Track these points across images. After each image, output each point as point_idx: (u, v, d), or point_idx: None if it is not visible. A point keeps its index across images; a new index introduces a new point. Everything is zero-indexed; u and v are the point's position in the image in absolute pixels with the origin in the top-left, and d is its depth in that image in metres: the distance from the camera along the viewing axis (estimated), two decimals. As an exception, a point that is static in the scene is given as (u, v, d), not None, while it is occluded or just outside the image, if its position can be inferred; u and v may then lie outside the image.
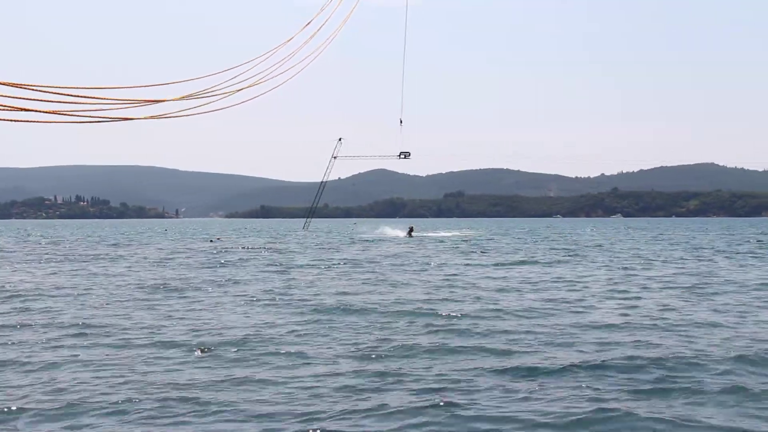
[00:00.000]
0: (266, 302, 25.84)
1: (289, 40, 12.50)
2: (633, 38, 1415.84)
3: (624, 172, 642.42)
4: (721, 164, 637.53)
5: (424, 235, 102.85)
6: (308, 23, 12.92)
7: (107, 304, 25.63)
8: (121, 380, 14.07)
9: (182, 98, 9.32)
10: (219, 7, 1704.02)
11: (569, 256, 52.95)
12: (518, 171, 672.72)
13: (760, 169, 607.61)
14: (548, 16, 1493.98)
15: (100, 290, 30.20)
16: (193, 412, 12.15)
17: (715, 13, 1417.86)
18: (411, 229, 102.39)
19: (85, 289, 30.44)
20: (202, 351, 16.60)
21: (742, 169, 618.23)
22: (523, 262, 45.87)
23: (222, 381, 13.97)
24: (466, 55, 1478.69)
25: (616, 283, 32.68)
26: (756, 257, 51.09)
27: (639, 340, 17.83)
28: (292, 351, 16.66)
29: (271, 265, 44.81)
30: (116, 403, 12.59)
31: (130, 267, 44.00)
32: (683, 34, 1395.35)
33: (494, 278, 34.96)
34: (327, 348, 17.14)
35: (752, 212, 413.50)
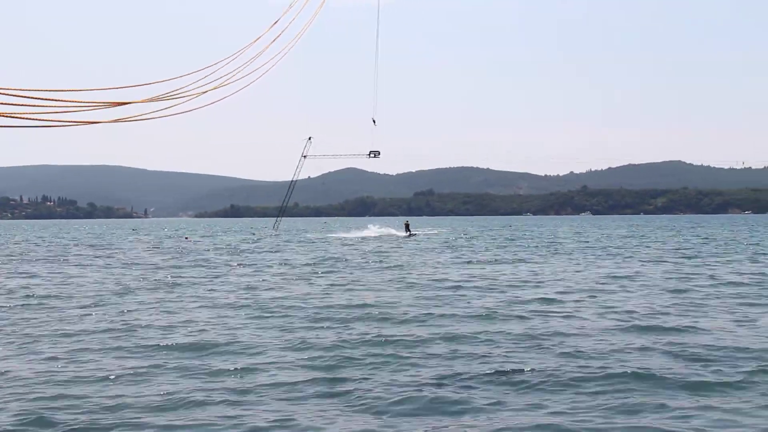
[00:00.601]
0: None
1: (256, 40, 12.34)
2: (603, 38, 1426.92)
3: (593, 170, 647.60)
4: (687, 162, 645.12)
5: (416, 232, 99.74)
6: (275, 22, 12.77)
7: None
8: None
9: (147, 101, 9.14)
10: (192, 7, 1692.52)
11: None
12: (488, 169, 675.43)
13: (726, 167, 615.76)
14: (518, 15, 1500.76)
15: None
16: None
17: (684, 13, 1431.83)
18: (408, 226, 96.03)
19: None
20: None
21: (708, 167, 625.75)
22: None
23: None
24: (436, 54, 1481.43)
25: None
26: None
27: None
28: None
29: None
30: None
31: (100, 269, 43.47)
32: (652, 34, 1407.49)
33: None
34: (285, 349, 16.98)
35: (718, 209, 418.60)
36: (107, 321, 21.75)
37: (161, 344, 17.70)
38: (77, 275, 38.43)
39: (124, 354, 16.75)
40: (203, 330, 19.87)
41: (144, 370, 15.07)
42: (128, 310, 23.99)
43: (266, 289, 30.33)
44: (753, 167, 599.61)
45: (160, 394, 13.13)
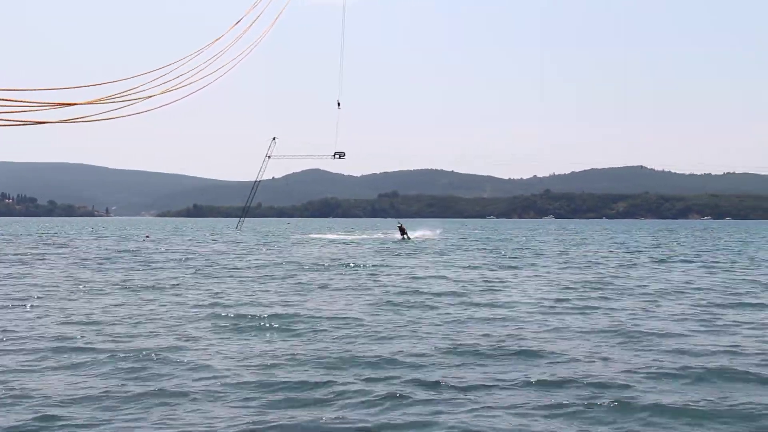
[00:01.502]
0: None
1: (217, 39, 11.98)
2: (567, 44, 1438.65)
3: (556, 174, 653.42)
4: (649, 167, 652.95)
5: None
6: (238, 21, 12.43)
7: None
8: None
9: (95, 102, 8.76)
10: (150, 5, 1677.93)
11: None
12: (452, 172, 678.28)
13: (687, 173, 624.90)
14: (482, 19, 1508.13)
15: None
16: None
17: (647, 17, 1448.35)
18: (402, 230, 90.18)
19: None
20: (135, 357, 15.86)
21: (669, 172, 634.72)
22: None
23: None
24: (402, 55, 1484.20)
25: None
26: None
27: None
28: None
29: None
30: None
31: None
32: (614, 38, 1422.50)
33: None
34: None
35: (679, 214, 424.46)
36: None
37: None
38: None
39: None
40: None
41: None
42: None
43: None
44: (713, 173, 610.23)
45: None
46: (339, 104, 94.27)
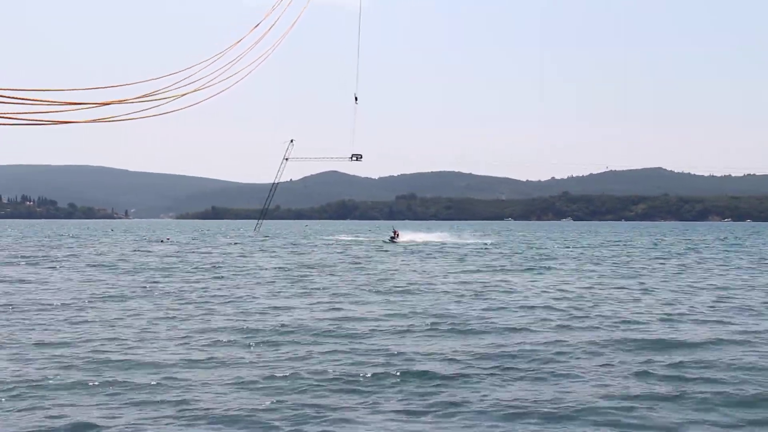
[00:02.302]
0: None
1: (238, 42, 12.30)
2: (584, 43, 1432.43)
3: (574, 176, 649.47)
4: (668, 169, 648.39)
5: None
6: (257, 25, 12.74)
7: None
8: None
9: (125, 101, 9.08)
10: (167, 8, 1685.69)
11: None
12: (470, 174, 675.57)
13: (706, 174, 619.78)
14: (499, 20, 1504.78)
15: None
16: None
17: (666, 20, 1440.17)
18: (395, 234, 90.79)
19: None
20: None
21: (689, 173, 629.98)
22: None
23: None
24: (419, 58, 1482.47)
25: None
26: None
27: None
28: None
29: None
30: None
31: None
32: (633, 40, 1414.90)
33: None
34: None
35: (698, 216, 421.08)
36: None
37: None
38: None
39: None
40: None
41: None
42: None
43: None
44: (733, 175, 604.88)
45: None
46: (356, 98, 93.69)
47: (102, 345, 17.94)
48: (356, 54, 79.38)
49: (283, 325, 20.99)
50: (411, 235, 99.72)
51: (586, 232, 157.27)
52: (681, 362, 15.97)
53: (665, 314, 24.03)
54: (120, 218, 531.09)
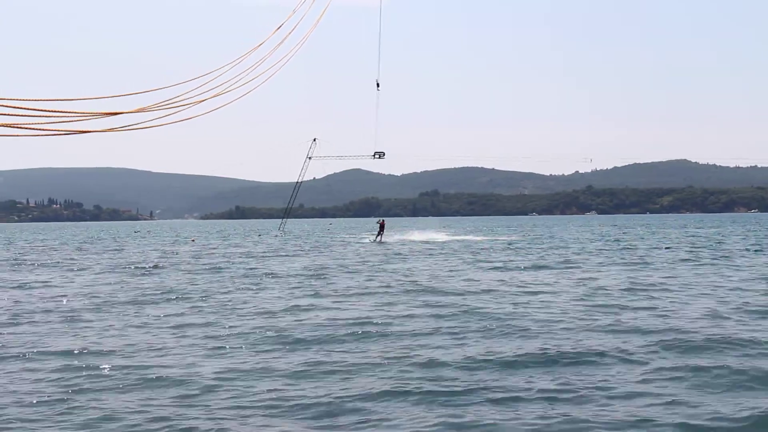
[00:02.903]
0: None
1: (259, 45, 12.02)
2: (608, 36, 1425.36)
3: (598, 169, 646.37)
4: (693, 161, 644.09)
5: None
6: (279, 27, 12.46)
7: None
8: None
9: (139, 110, 8.82)
10: (186, 13, 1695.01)
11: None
12: (493, 169, 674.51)
13: (732, 165, 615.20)
14: (523, 15, 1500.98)
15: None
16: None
17: (690, 10, 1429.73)
18: (381, 226, 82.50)
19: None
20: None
21: (714, 165, 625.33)
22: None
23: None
24: (441, 53, 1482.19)
25: None
26: None
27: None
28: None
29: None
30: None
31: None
32: (657, 32, 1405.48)
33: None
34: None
35: (724, 208, 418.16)
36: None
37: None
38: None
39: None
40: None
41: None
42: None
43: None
44: (759, 165, 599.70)
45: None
46: (378, 85, 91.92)
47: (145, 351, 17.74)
48: (377, 50, 79.21)
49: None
50: (427, 234, 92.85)
51: (644, 225, 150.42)
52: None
53: None
54: (145, 219, 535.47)
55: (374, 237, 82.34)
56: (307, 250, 66.47)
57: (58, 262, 53.79)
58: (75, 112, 8.21)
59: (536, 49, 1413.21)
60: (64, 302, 27.96)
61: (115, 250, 75.02)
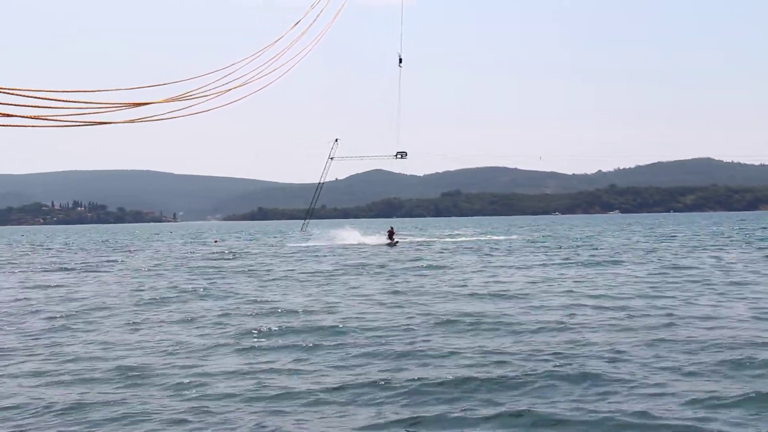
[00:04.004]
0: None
1: (278, 40, 12.31)
2: (631, 35, 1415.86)
3: (621, 168, 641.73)
4: (717, 159, 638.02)
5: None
6: (297, 23, 12.73)
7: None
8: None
9: (167, 100, 9.11)
10: (204, 8, 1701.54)
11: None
12: (515, 169, 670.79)
13: (756, 163, 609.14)
14: (545, 13, 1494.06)
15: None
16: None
17: (712, 10, 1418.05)
18: (392, 233, 79.58)
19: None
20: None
21: (738, 163, 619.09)
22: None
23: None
24: (462, 53, 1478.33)
25: None
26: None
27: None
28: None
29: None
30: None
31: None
32: (682, 32, 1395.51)
33: None
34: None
35: (749, 206, 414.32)
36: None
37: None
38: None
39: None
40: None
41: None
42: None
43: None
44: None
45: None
46: (401, 60, 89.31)
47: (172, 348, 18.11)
48: (399, 23, 77.49)
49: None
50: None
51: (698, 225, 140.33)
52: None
53: None
54: (168, 221, 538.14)
55: (387, 242, 77.28)
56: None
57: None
58: (101, 104, 8.48)
59: (563, 48, 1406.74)
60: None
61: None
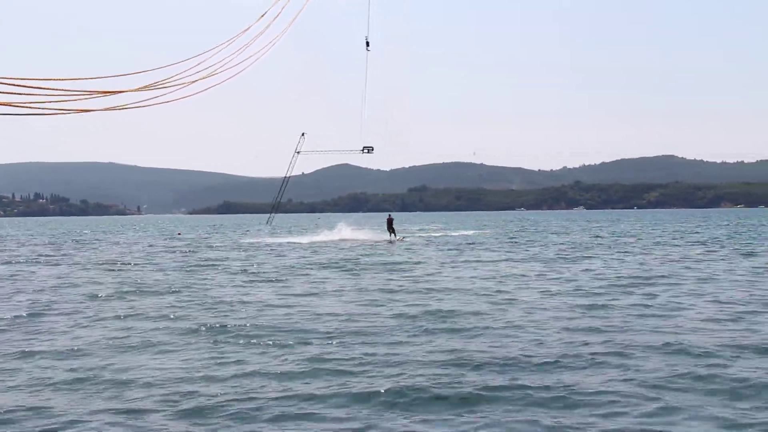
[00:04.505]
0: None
1: (246, 30, 12.50)
2: (596, 33, 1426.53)
3: (586, 164, 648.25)
4: (680, 156, 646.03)
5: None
6: (264, 13, 12.95)
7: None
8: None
9: (140, 89, 9.28)
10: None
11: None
12: (481, 164, 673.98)
13: (719, 161, 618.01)
14: (513, 10, 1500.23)
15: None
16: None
17: (676, 8, 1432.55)
18: (390, 222, 69.50)
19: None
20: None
21: (701, 161, 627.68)
22: None
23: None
24: (429, 49, 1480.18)
25: None
26: None
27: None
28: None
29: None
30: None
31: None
32: (645, 28, 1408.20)
33: None
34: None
35: (710, 203, 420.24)
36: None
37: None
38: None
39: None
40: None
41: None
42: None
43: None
44: (745, 161, 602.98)
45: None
46: (368, 44, 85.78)
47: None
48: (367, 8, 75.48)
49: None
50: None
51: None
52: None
53: None
54: (132, 214, 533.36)
55: (389, 237, 68.50)
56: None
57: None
58: (76, 92, 8.61)
59: (527, 45, 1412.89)
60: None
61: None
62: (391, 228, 68.52)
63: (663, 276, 30.65)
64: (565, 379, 13.03)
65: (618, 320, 19.04)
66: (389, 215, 73.31)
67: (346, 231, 76.93)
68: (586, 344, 15.89)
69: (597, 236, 73.21)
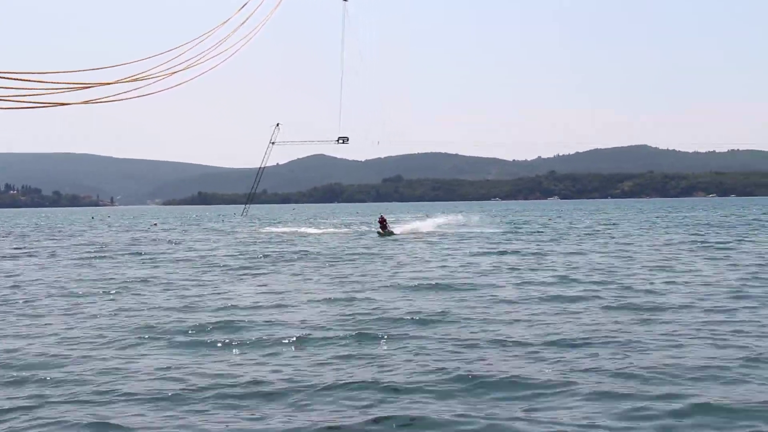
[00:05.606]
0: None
1: (224, 23, 12.42)
2: (568, 23, 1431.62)
3: (560, 155, 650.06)
4: (653, 146, 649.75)
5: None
6: (243, 5, 12.86)
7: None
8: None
9: (116, 82, 9.19)
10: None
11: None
12: (456, 155, 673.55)
13: (691, 151, 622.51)
14: (480, 1, 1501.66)
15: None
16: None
17: (672, 7, 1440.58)
18: (383, 222, 66.28)
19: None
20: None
21: (674, 150, 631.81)
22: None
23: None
24: (404, 39, 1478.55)
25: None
26: None
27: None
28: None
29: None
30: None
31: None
32: (620, 18, 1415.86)
33: None
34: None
35: (683, 193, 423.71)
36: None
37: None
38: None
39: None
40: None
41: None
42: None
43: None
44: (717, 151, 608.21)
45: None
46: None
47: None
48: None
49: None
50: (408, 224, 75.57)
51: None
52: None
53: None
54: (105, 205, 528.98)
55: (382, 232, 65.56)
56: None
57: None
58: (51, 83, 8.52)
59: (502, 35, 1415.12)
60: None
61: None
62: (384, 228, 65.34)
63: None
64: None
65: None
66: (381, 215, 70.10)
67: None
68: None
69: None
